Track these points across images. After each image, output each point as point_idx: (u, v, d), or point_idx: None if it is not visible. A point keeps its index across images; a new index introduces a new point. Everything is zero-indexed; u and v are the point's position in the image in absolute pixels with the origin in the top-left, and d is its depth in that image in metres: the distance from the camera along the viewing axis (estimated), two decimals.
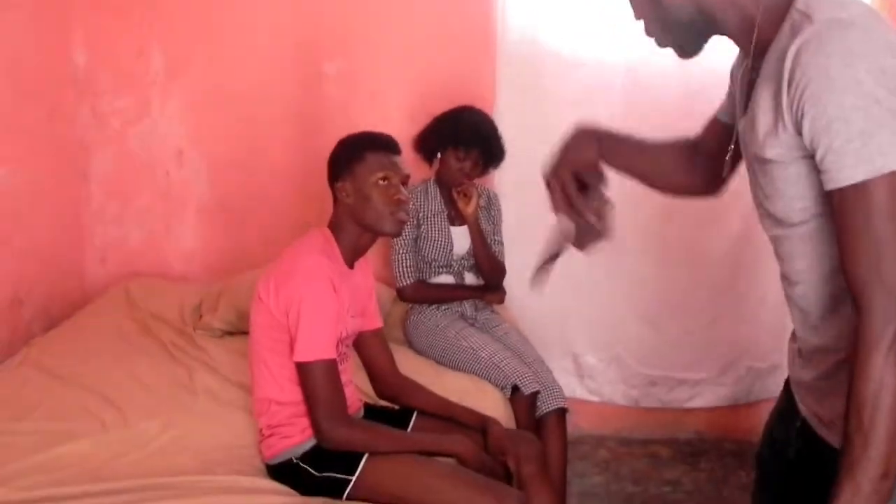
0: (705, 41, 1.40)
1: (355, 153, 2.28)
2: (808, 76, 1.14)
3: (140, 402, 2.60)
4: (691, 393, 3.86)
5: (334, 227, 2.30)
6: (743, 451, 3.71)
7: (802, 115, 1.16)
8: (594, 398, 3.88)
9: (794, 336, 1.47)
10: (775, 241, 1.37)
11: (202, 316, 3.23)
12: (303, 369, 2.13)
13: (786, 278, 1.38)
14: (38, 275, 3.36)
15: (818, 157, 1.16)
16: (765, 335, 3.71)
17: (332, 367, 2.14)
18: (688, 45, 1.40)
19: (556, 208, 1.60)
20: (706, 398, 3.85)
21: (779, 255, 1.38)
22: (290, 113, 3.65)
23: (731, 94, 1.52)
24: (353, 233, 2.29)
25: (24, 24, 3.26)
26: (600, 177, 1.60)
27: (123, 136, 3.69)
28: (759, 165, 1.31)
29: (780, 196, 1.29)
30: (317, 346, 2.12)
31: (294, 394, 2.20)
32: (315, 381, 2.12)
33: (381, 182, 2.24)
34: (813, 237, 1.28)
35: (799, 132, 1.18)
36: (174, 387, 2.74)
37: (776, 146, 1.24)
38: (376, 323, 2.51)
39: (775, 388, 3.63)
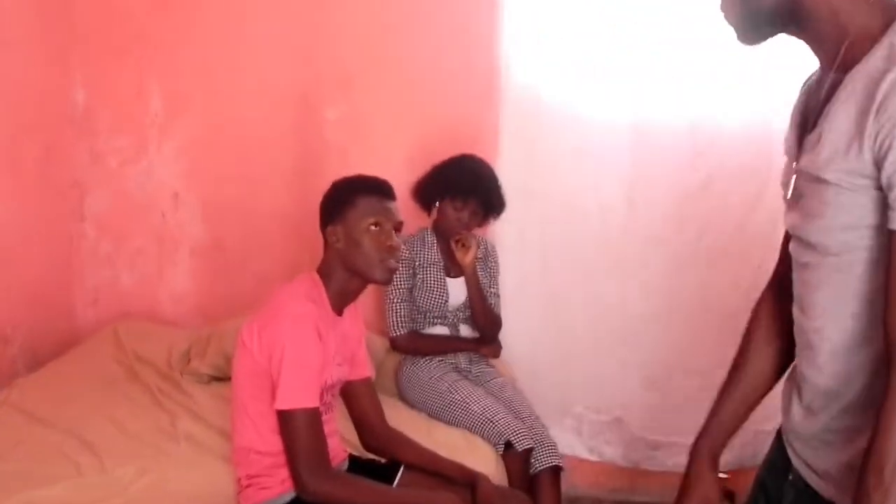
0: (772, 35, 1.32)
1: (347, 197, 2.22)
2: None
3: (118, 447, 2.53)
4: None
5: (323, 271, 2.23)
6: None
7: (889, 148, 1.11)
8: (594, 458, 3.75)
9: (791, 376, 1.42)
10: (803, 269, 1.32)
11: (190, 361, 3.16)
12: (284, 418, 2.04)
13: (803, 309, 1.33)
14: (26, 313, 3.30)
15: (894, 194, 1.11)
16: (769, 398, 3.58)
17: (314, 416, 2.06)
18: (752, 31, 1.32)
19: None
20: None
21: (802, 283, 1.33)
22: (288, 156, 3.60)
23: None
24: (342, 278, 2.22)
25: (24, 61, 3.24)
26: None
27: (120, 176, 3.65)
28: (810, 185, 1.25)
29: (823, 221, 1.24)
30: (299, 394, 2.04)
31: (275, 444, 2.11)
32: (296, 431, 2.03)
33: (372, 228, 2.18)
34: (845, 270, 1.23)
35: (876, 163, 1.13)
36: (155, 432, 2.66)
37: (840, 169, 1.18)
38: (365, 372, 2.43)
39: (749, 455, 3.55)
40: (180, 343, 3.29)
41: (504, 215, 3.24)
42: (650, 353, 3.60)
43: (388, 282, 2.27)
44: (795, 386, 1.39)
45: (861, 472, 1.11)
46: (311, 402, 2.05)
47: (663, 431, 3.66)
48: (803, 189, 1.27)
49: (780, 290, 1.49)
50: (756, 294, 3.39)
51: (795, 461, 1.39)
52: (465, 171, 3.07)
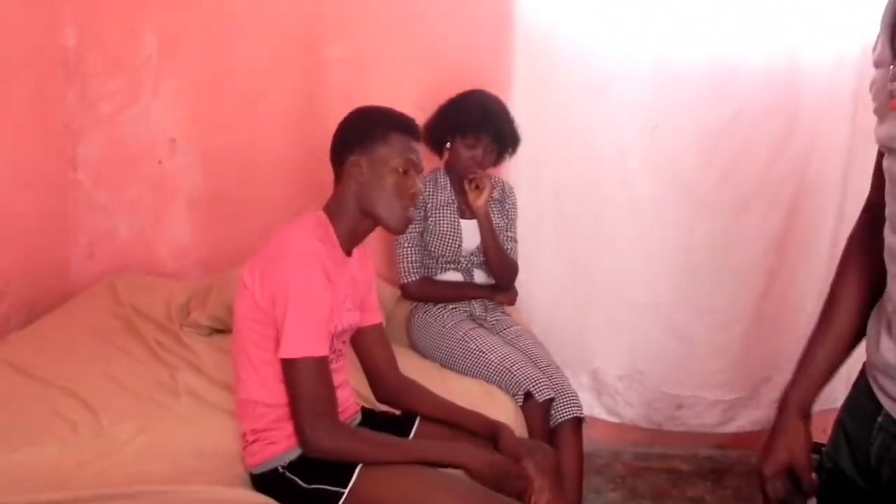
0: None
1: (379, 131, 2.03)
2: None
3: (116, 404, 2.38)
4: (722, 418, 3.55)
5: (333, 208, 2.06)
6: None
7: None
8: (613, 419, 3.62)
9: (881, 308, 1.27)
10: None
11: (190, 313, 3.02)
12: (288, 367, 1.89)
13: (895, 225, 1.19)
14: (19, 267, 3.16)
15: None
16: (802, 347, 3.42)
17: (321, 365, 1.90)
18: None
19: None
20: (739, 423, 3.55)
21: None
22: (290, 99, 3.44)
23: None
24: (354, 217, 2.05)
25: (12, 0, 3.05)
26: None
27: (114, 121, 3.48)
28: None
29: None
30: (305, 342, 1.87)
31: (282, 395, 1.95)
32: (301, 381, 1.87)
33: (400, 170, 2.02)
34: None
35: None
36: (154, 388, 2.52)
37: None
38: (376, 318, 2.26)
39: (815, 406, 3.42)
40: (179, 295, 3.15)
41: (517, 157, 3.08)
42: (671, 299, 3.46)
43: (401, 232, 2.12)
44: (885, 319, 1.24)
45: None
46: (319, 349, 1.89)
47: (686, 385, 3.52)
48: None
49: (875, 224, 1.32)
50: (782, 236, 3.29)
51: (886, 402, 1.26)
52: (476, 107, 2.90)
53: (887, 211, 1.22)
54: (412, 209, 2.07)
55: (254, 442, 2.00)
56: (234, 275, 2.93)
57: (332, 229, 2.03)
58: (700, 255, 3.39)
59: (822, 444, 1.45)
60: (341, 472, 1.90)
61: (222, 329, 2.95)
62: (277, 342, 1.90)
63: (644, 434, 3.65)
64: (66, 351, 2.73)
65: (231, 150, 3.48)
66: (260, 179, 3.50)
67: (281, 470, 1.96)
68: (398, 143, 2.02)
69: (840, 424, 1.41)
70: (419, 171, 2.08)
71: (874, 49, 1.26)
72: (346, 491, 1.89)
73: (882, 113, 1.23)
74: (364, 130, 2.04)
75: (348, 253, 2.08)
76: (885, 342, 1.24)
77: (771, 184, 3.28)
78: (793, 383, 1.50)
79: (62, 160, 3.45)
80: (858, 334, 1.41)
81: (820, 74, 3.16)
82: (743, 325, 3.45)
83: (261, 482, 2.00)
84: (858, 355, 1.40)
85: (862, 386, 1.33)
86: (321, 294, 1.90)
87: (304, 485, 1.93)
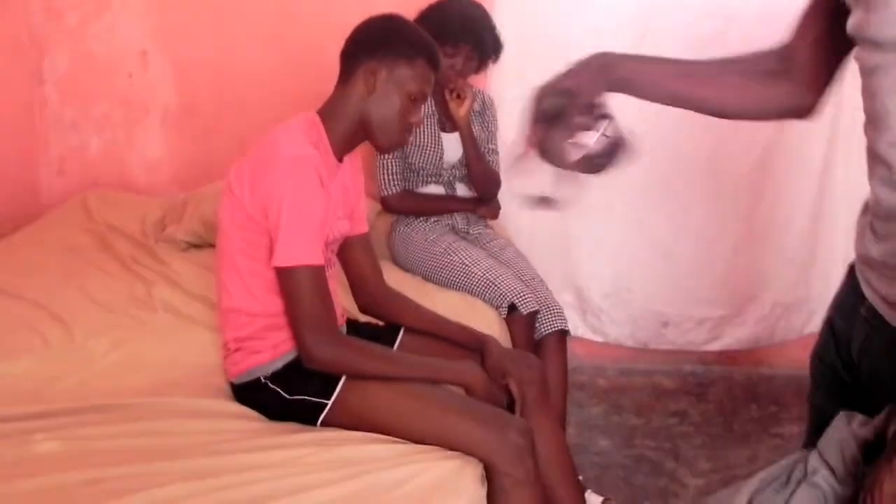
0: None
1: (407, 51, 1.92)
2: None
3: (89, 319, 2.33)
4: (708, 336, 3.53)
5: (329, 111, 1.97)
6: (754, 384, 3.46)
7: None
8: (598, 338, 3.59)
9: (866, 207, 1.23)
10: (871, 75, 1.12)
11: (165, 228, 2.94)
12: (285, 276, 1.81)
13: (874, 124, 1.14)
14: None
15: None
16: (789, 266, 3.40)
17: (319, 273, 1.83)
18: None
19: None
20: (725, 341, 3.54)
21: (872, 93, 1.13)
22: (265, 7, 3.31)
23: None
24: (350, 123, 1.96)
25: None
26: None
27: (81, 33, 3.35)
28: None
29: (887, 7, 1.04)
30: (302, 250, 1.80)
31: (269, 304, 1.89)
32: (300, 291, 1.80)
33: (413, 97, 1.94)
34: None
35: None
36: (130, 302, 2.46)
37: None
38: (363, 227, 2.19)
39: (801, 327, 3.41)
40: (154, 211, 3.08)
41: (500, 68, 2.98)
42: (657, 217, 3.41)
43: (387, 152, 2.08)
44: (869, 219, 1.21)
45: None
46: (316, 258, 1.82)
47: (674, 303, 3.50)
48: None
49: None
50: (769, 151, 3.23)
51: (868, 292, 1.23)
52: (454, 13, 2.79)
53: (867, 111, 1.17)
54: (407, 135, 2.00)
55: (236, 350, 1.94)
56: (212, 189, 2.91)
57: (325, 134, 1.94)
58: (687, 173, 3.34)
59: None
60: (326, 382, 1.86)
61: (199, 244, 2.88)
62: (269, 251, 1.83)
63: (628, 351, 3.63)
64: (38, 267, 2.65)
65: (205, 61, 3.37)
66: (235, 92, 3.39)
67: (263, 380, 1.91)
68: (422, 70, 1.94)
69: (828, 322, 1.38)
70: (425, 101, 2.01)
71: None
72: (330, 402, 1.85)
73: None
74: (393, 42, 1.93)
75: (339, 160, 2.00)
76: (869, 238, 1.21)
77: None
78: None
79: (27, 74, 3.33)
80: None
81: None
82: (729, 244, 3.43)
83: (242, 393, 1.96)
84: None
85: (851, 281, 1.30)
86: (316, 200, 1.82)
87: (287, 395, 1.89)
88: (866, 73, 1.14)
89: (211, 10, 3.32)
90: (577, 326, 3.50)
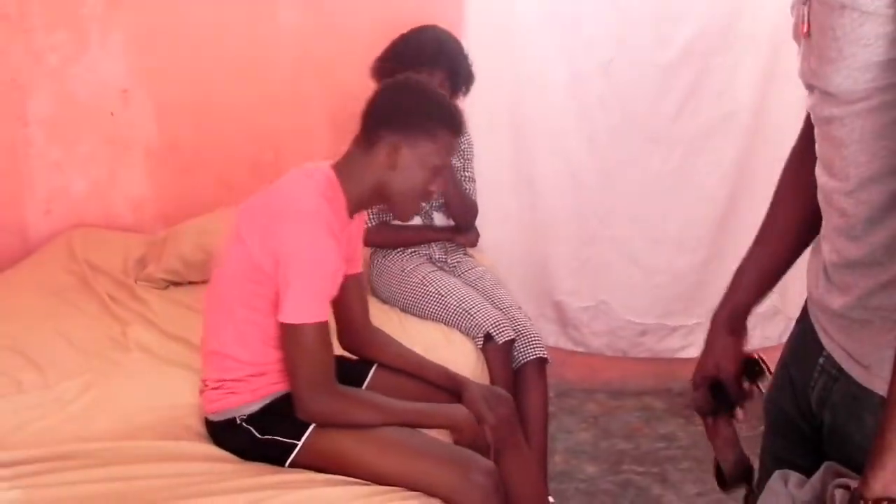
0: None
1: (429, 123, 1.90)
2: None
3: (65, 361, 2.34)
4: (683, 342, 3.59)
5: (345, 171, 1.93)
6: None
7: None
8: (579, 349, 3.63)
9: (819, 249, 1.22)
10: (826, 125, 1.11)
11: (146, 266, 2.95)
12: (290, 331, 1.80)
13: (830, 172, 1.12)
14: None
15: None
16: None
17: (324, 329, 1.82)
18: None
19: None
20: (700, 347, 3.52)
21: (828, 142, 1.12)
22: (242, 44, 3.33)
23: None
24: (369, 190, 1.94)
25: None
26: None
27: (62, 74, 3.36)
28: (829, 16, 1.02)
29: (843, 59, 1.02)
30: (311, 308, 1.79)
31: (260, 355, 1.91)
32: (304, 347, 1.80)
33: (437, 170, 1.94)
34: (876, 118, 1.02)
35: None
36: (104, 343, 2.46)
37: None
38: (359, 267, 2.17)
39: (776, 335, 3.40)
40: (136, 249, 3.09)
41: (472, 97, 3.00)
42: (631, 231, 3.49)
43: (404, 221, 2.10)
44: (821, 261, 1.19)
45: None
46: (322, 315, 1.82)
47: (650, 313, 3.56)
48: (822, 21, 1.04)
49: (807, 157, 1.25)
50: (739, 163, 3.27)
51: (827, 342, 1.20)
52: (429, 40, 2.82)
53: (818, 153, 1.16)
54: (424, 203, 2.02)
55: (215, 389, 1.95)
56: (187, 226, 2.92)
57: (341, 193, 1.92)
58: (657, 187, 3.40)
59: (757, 360, 1.44)
60: (297, 425, 1.87)
61: (178, 281, 2.89)
62: (271, 303, 1.83)
63: (616, 370, 3.64)
64: (17, 309, 2.66)
65: (184, 98, 3.38)
66: (215, 128, 3.40)
67: (238, 421, 1.92)
68: (444, 142, 1.92)
69: (783, 365, 1.37)
70: (449, 167, 2.00)
71: None
72: (300, 444, 1.86)
73: (797, 39, 1.15)
74: (414, 117, 1.91)
75: (351, 216, 1.98)
76: (823, 284, 1.19)
77: (726, 114, 3.28)
78: (724, 298, 1.47)
79: (12, 117, 3.35)
80: (794, 253, 1.38)
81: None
82: (701, 254, 3.49)
83: (216, 430, 1.97)
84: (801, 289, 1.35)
85: (804, 325, 1.28)
86: (328, 257, 1.82)
87: (259, 435, 1.90)
88: (821, 122, 1.12)
89: (189, 47, 3.34)
90: (558, 338, 3.59)
